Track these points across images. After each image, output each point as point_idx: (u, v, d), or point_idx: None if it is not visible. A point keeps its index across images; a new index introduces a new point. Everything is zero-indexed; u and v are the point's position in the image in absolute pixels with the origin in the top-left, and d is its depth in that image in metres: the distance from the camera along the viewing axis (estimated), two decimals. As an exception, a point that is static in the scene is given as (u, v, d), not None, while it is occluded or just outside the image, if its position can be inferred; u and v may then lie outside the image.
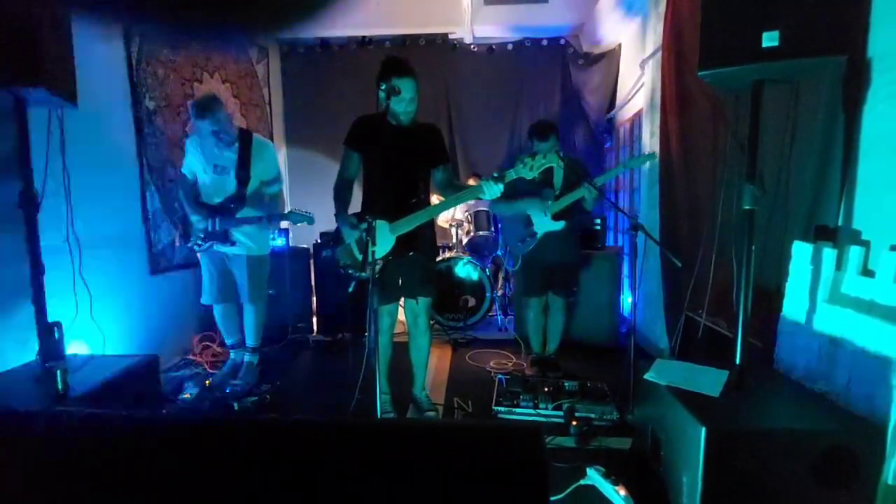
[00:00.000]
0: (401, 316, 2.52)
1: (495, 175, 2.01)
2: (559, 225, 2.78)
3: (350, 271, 2.21)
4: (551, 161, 1.99)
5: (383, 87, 2.08)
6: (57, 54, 1.91)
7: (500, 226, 3.90)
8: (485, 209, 4.17)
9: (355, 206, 2.34)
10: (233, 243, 2.72)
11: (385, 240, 2.14)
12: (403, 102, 2.13)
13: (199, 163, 2.74)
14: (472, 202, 4.35)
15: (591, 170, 3.20)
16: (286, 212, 2.93)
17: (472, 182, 4.60)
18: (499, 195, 2.03)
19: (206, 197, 2.76)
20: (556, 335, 3.07)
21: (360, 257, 2.20)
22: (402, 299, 2.43)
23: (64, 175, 2.36)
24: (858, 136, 1.73)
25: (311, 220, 2.91)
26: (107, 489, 0.87)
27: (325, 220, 4.28)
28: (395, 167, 2.22)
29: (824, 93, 1.81)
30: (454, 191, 2.27)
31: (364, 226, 2.13)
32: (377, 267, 2.11)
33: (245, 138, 2.75)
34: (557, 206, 2.76)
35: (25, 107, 2.02)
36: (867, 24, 1.69)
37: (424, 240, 2.28)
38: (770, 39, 1.54)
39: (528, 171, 1.99)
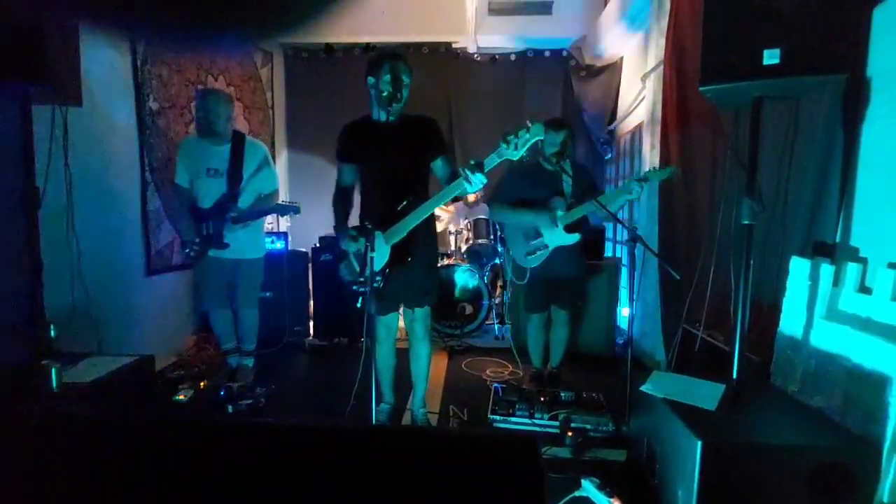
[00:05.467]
0: (401, 322, 2.46)
1: (472, 162, 1.76)
2: (574, 238, 2.57)
3: (355, 287, 2.09)
4: (537, 134, 1.72)
5: (369, 85, 2.05)
6: (63, 55, 1.93)
7: (503, 235, 3.87)
8: (484, 217, 4.17)
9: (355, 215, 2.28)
10: (226, 246, 2.71)
11: (381, 250, 2.04)
12: (385, 84, 2.00)
13: (191, 169, 2.73)
14: (473, 209, 4.37)
15: (596, 179, 2.98)
16: (272, 205, 2.88)
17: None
18: (483, 184, 1.80)
19: (200, 201, 2.74)
20: (560, 349, 2.95)
21: (359, 270, 2.12)
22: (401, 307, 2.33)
23: (66, 173, 2.36)
24: (857, 153, 1.74)
25: (297, 210, 2.84)
26: (98, 490, 0.86)
27: (325, 225, 4.31)
28: (385, 169, 2.10)
29: (824, 110, 1.83)
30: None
31: (362, 239, 2.06)
32: (378, 278, 2.04)
33: (237, 139, 2.74)
34: (571, 216, 2.55)
35: (30, 105, 2.03)
36: (867, 44, 1.71)
37: (423, 244, 2.14)
38: (771, 57, 1.56)
39: (512, 150, 1.74)
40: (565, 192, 2.64)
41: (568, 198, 2.63)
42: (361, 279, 2.06)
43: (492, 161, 1.80)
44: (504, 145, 1.76)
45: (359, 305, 1.95)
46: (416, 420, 2.41)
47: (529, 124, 1.75)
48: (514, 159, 1.79)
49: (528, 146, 1.75)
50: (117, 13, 2.82)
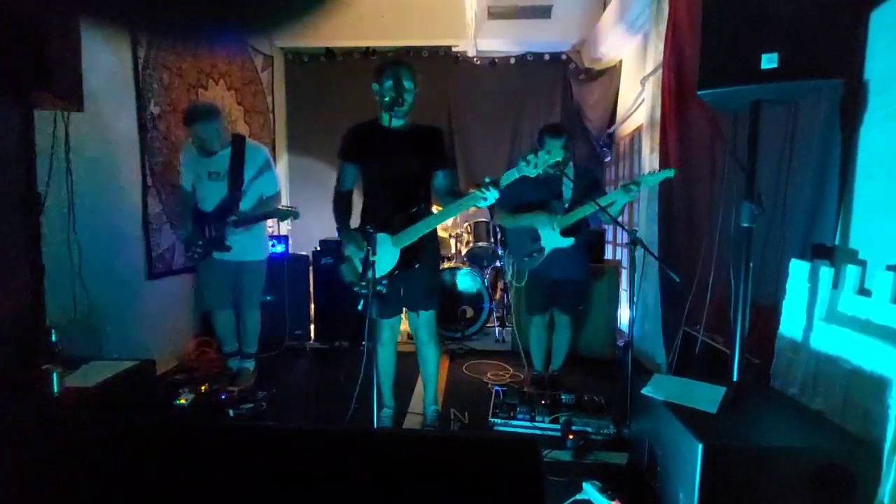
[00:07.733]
0: (404, 325, 2.48)
1: (488, 180, 1.84)
2: (568, 241, 2.61)
3: (356, 288, 2.09)
4: (556, 156, 1.80)
5: (374, 91, 2.09)
6: (66, 59, 1.94)
7: (503, 238, 3.88)
8: (484, 220, 4.18)
9: (355, 218, 2.28)
10: (228, 249, 2.72)
11: (389, 253, 2.06)
12: (387, 90, 2.04)
13: (193, 173, 2.76)
14: (472, 212, 4.37)
15: (599, 179, 3.01)
16: (272, 208, 2.88)
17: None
18: (495, 199, 1.87)
19: (202, 204, 2.76)
20: (562, 352, 2.96)
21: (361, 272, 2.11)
22: (405, 311, 2.36)
23: (67, 177, 2.37)
24: (855, 156, 1.75)
25: (296, 215, 2.88)
26: (99, 494, 0.86)
27: (326, 228, 4.31)
28: (392, 174, 2.13)
29: (822, 114, 1.84)
30: (453, 198, 2.10)
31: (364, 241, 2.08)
32: (385, 282, 2.06)
33: (237, 143, 2.75)
34: (567, 220, 2.60)
35: (32, 110, 2.04)
36: (864, 48, 1.72)
37: (428, 251, 2.18)
38: (769, 61, 1.57)
39: (531, 168, 1.80)
40: (565, 196, 2.69)
41: (567, 202, 2.67)
42: (363, 282, 2.05)
43: (510, 177, 1.86)
44: (524, 163, 1.82)
45: (360, 308, 1.95)
46: (427, 417, 2.43)
47: (550, 149, 1.83)
48: (531, 175, 1.85)
49: (546, 165, 1.82)
50: (118, 11, 2.83)
